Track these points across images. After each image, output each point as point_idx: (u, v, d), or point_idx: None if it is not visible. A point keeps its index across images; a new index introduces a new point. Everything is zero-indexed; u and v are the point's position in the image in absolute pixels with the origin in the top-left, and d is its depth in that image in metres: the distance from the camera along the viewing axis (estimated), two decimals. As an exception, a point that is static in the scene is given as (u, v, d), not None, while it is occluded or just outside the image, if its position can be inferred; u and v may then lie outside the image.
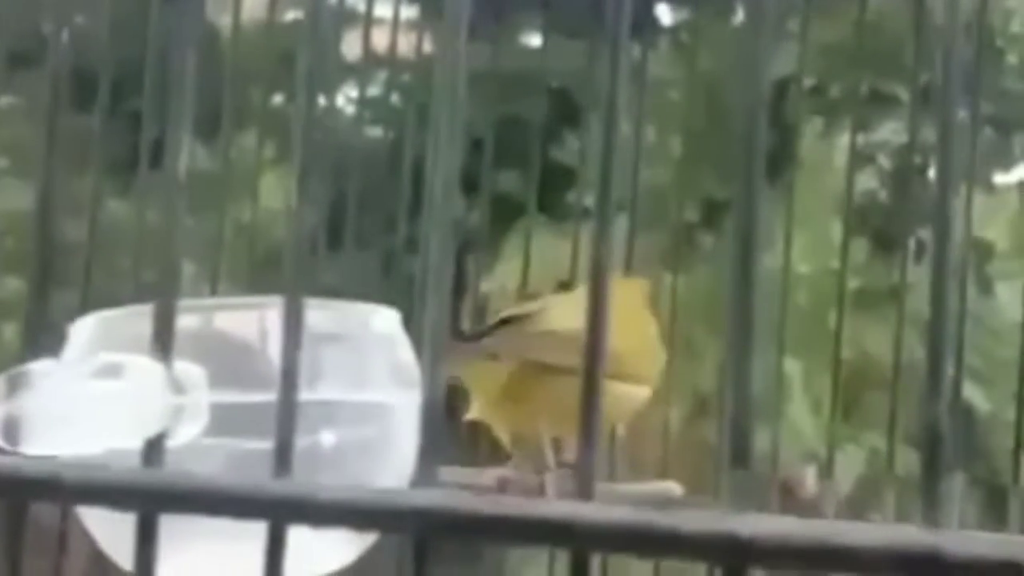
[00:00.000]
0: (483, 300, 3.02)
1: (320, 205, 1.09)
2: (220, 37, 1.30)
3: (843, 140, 2.95)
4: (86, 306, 0.96)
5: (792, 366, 3.09)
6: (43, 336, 0.47)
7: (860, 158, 3.26)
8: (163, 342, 0.42)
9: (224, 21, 1.21)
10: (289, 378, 0.39)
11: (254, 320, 0.58)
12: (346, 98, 1.75)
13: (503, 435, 1.01)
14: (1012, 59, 3.37)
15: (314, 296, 0.41)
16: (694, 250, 2.51)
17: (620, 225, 1.23)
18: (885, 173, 3.38)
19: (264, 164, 1.17)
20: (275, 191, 1.17)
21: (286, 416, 0.39)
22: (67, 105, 0.52)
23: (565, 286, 2.05)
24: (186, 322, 0.43)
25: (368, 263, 1.13)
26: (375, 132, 1.54)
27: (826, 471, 1.24)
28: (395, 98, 1.36)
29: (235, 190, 1.18)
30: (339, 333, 0.59)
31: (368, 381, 0.60)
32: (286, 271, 0.39)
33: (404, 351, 0.61)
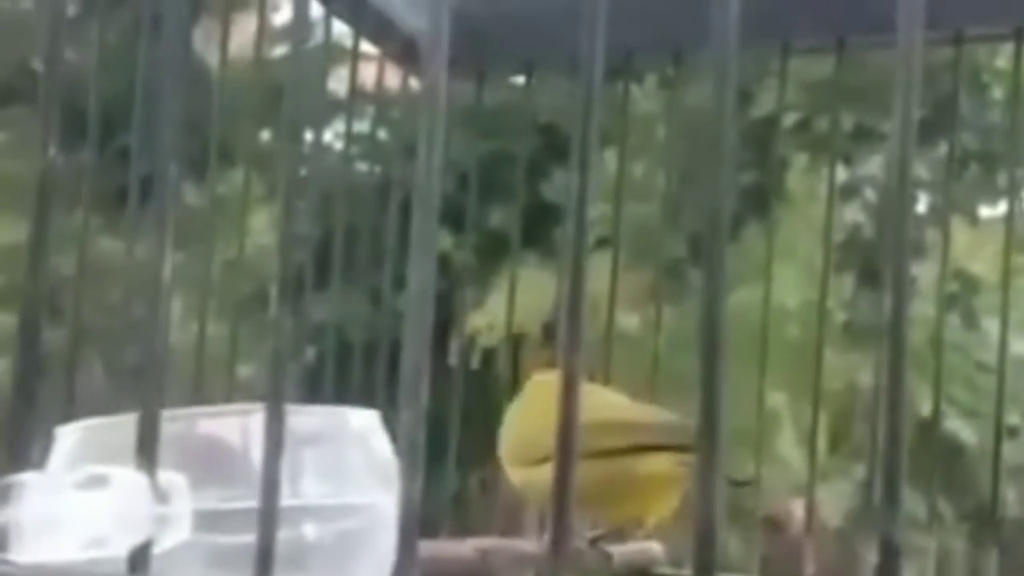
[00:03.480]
0: (473, 335, 3.03)
1: (308, 241, 1.09)
2: (209, 72, 1.31)
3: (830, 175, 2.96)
4: (76, 342, 0.96)
5: (780, 399, 3.09)
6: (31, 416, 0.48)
7: (846, 192, 3.28)
8: (147, 453, 0.44)
9: (213, 56, 1.21)
10: (270, 488, 0.40)
11: (236, 426, 0.59)
12: (335, 134, 1.75)
13: (534, 505, 1.03)
14: (997, 94, 3.38)
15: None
16: (682, 284, 2.51)
17: (606, 260, 1.23)
18: (871, 207, 3.39)
19: (253, 201, 1.17)
20: (264, 228, 1.17)
21: (267, 524, 0.40)
22: (57, 141, 0.52)
23: (550, 328, 2.04)
24: (170, 428, 0.45)
25: (356, 299, 1.13)
26: (363, 168, 1.55)
27: (812, 505, 1.23)
28: (383, 134, 1.36)
29: (224, 227, 1.17)
30: (319, 435, 0.60)
31: (349, 481, 0.61)
32: (268, 382, 0.40)
33: (382, 449, 0.62)
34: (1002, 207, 3.15)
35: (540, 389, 1.02)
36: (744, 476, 1.02)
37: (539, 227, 1.35)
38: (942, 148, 2.81)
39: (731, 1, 0.34)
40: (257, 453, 0.41)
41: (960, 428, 3.29)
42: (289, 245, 0.41)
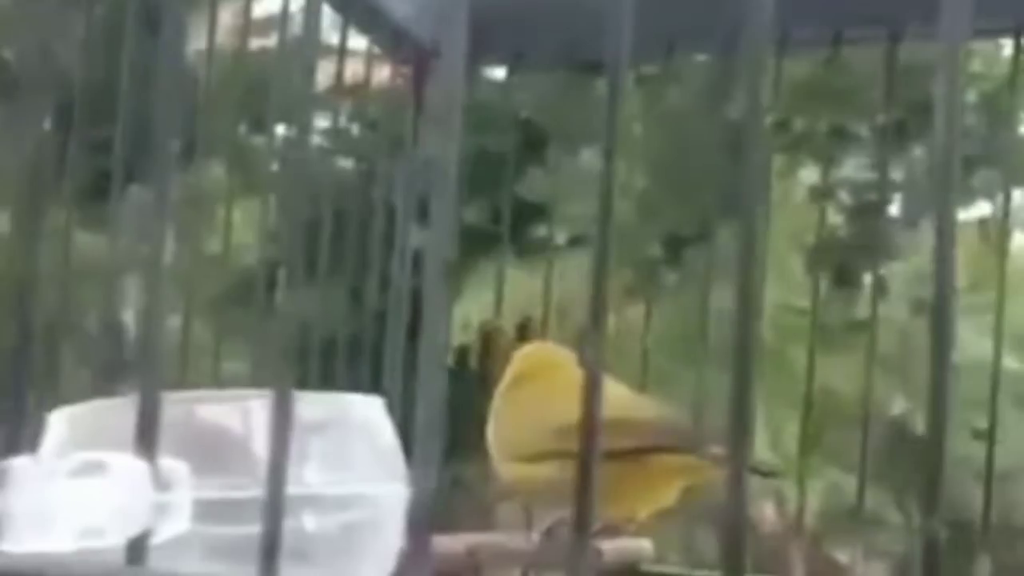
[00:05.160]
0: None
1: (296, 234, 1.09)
2: (190, 65, 1.30)
3: (805, 176, 2.96)
4: (54, 340, 0.95)
5: (754, 400, 3.10)
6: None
7: (822, 194, 3.27)
8: (147, 440, 0.42)
9: (191, 48, 1.20)
10: (276, 480, 0.39)
11: (237, 412, 0.58)
12: (318, 129, 1.74)
13: (528, 502, 1.04)
14: (972, 97, 3.40)
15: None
16: (657, 285, 2.52)
17: (584, 258, 1.23)
18: (847, 209, 3.40)
19: (229, 195, 1.16)
20: (241, 223, 1.16)
21: (273, 517, 0.39)
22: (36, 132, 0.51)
23: (524, 327, 2.04)
24: (167, 413, 0.43)
25: (337, 296, 1.13)
26: (345, 164, 1.54)
27: (794, 505, 1.24)
28: (360, 129, 1.35)
29: (200, 221, 1.17)
30: (323, 422, 0.58)
31: (352, 470, 0.59)
32: (274, 371, 0.39)
33: (387, 438, 0.61)
34: (976, 210, 3.16)
35: (531, 380, 1.01)
36: (767, 467, 1.02)
37: (516, 224, 1.35)
38: (917, 151, 2.82)
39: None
40: (259, 440, 0.40)
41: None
42: (296, 230, 0.40)
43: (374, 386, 1.13)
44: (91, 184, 1.13)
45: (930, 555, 0.33)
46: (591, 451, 0.34)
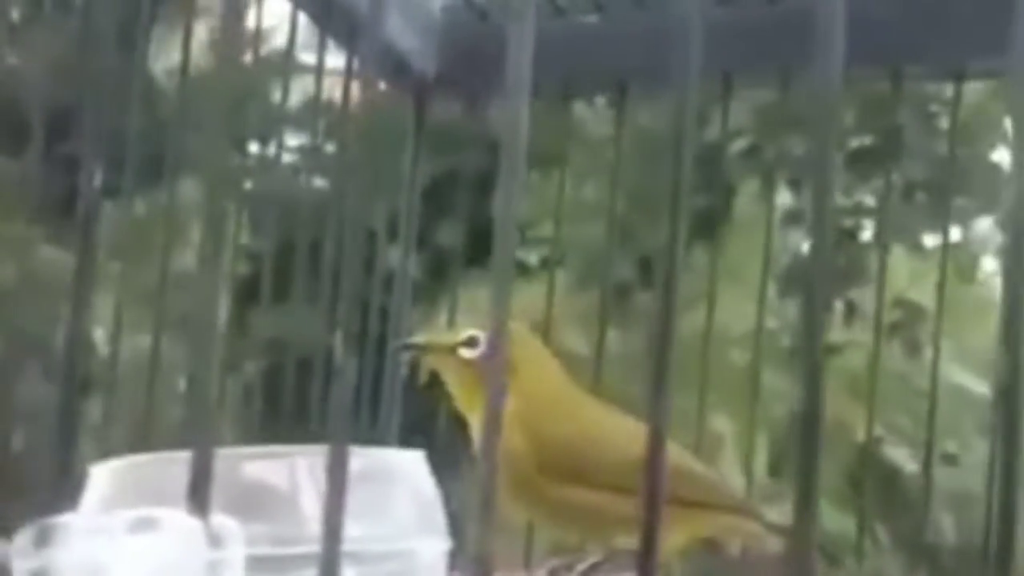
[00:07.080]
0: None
1: (265, 255, 1.09)
2: (157, 83, 1.29)
3: (778, 200, 2.97)
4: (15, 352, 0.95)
5: (724, 424, 3.09)
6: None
7: (793, 217, 3.29)
8: (200, 497, 0.42)
9: (160, 66, 1.20)
10: (332, 535, 0.38)
11: (283, 468, 0.58)
12: (286, 147, 1.74)
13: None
14: (945, 124, 3.41)
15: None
16: (631, 307, 2.51)
17: (560, 280, 1.23)
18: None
19: (196, 215, 1.16)
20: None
21: (329, 572, 0.38)
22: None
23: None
24: (216, 469, 0.43)
25: (314, 315, 1.13)
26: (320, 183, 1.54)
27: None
28: (335, 148, 1.35)
29: (173, 239, 1.16)
30: (364, 475, 0.58)
31: (392, 523, 0.60)
32: (330, 429, 0.39)
33: (428, 491, 0.61)
34: (949, 236, 3.16)
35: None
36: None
37: (487, 245, 1.35)
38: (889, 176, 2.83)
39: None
40: (305, 495, 0.40)
41: (898, 455, 3.31)
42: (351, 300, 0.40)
43: (372, 412, 1.13)
44: (61, 199, 1.13)
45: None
46: (654, 520, 0.33)
